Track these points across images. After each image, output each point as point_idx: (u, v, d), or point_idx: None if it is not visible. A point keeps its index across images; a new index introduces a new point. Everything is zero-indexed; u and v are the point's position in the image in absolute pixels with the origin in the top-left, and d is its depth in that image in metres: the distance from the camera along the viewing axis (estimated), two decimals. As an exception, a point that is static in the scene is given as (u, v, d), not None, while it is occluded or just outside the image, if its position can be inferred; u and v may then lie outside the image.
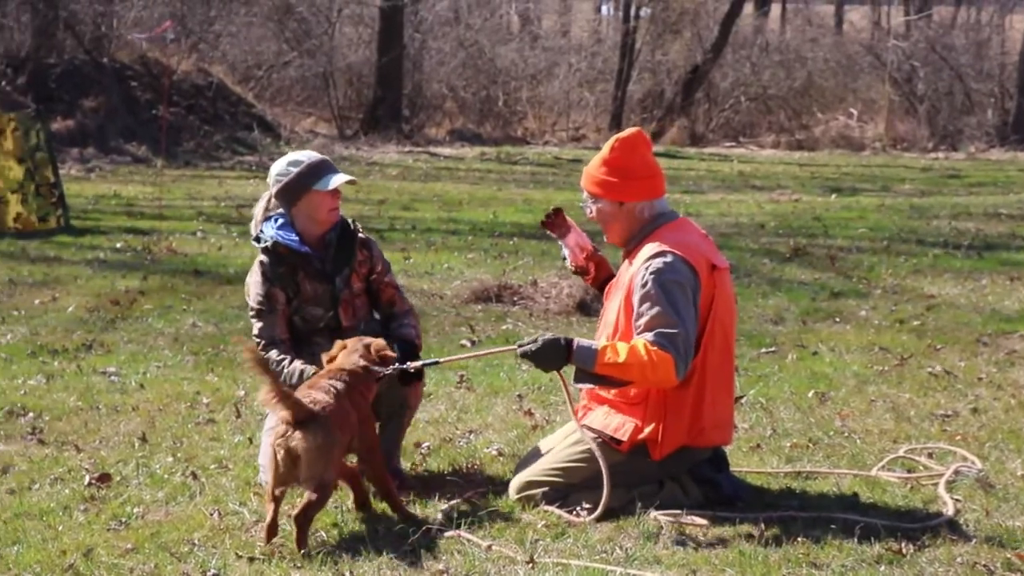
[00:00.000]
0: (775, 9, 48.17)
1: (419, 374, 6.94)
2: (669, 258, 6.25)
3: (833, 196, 23.04)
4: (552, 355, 6.18)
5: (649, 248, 6.35)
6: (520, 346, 6.27)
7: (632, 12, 39.33)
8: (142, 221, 18.42)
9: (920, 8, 41.66)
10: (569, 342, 6.17)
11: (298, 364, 6.83)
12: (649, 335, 6.12)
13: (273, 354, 6.90)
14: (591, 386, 6.38)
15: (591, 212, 6.63)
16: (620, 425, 6.42)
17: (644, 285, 6.22)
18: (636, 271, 6.31)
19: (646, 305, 6.19)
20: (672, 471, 6.50)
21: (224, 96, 32.11)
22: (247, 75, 35.35)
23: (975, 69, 37.81)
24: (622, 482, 6.43)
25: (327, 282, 7.05)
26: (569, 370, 6.33)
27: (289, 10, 36.18)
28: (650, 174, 6.53)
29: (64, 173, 21.72)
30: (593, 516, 6.28)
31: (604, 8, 54.49)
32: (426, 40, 37.54)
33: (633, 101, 38.50)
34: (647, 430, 6.36)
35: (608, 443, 6.44)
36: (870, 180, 26.20)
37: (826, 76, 39.93)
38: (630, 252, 6.52)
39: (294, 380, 6.75)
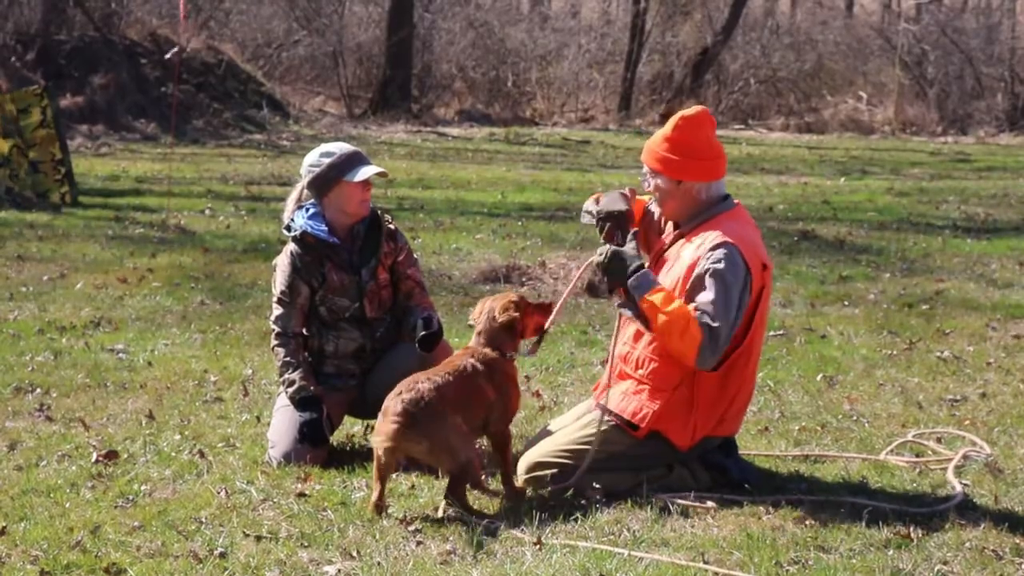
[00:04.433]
0: (786, -9, 48.06)
1: (439, 340, 7.09)
2: (730, 251, 6.25)
3: (842, 179, 23.00)
4: (617, 268, 6.31)
5: (713, 236, 6.33)
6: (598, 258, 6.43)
7: (642, -7, 39.26)
8: (151, 198, 18.40)
9: (931, -9, 41.56)
10: (640, 267, 6.28)
11: (296, 376, 7.03)
12: (696, 314, 6.16)
13: (281, 353, 7.12)
14: (629, 314, 6.37)
15: (649, 186, 6.61)
16: (638, 410, 6.40)
17: (706, 274, 6.24)
18: (698, 256, 6.30)
19: (702, 292, 6.21)
20: (683, 456, 6.49)
21: (234, 74, 32.09)
22: (257, 53, 35.34)
23: (985, 53, 37.70)
24: (631, 465, 6.43)
25: (353, 273, 7.13)
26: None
27: (299, -12, 36.17)
28: (712, 155, 6.50)
29: (73, 150, 21.70)
30: (559, 486, 6.37)
31: (614, -11, 54.39)
32: (436, 20, 37.47)
33: (642, 83, 38.41)
34: (674, 421, 6.35)
35: (623, 427, 6.43)
36: (879, 164, 26.15)
37: (836, 59, 39.83)
38: (686, 234, 6.50)
39: (285, 389, 7.09)
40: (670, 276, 6.41)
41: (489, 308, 6.57)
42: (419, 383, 6.18)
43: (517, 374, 6.61)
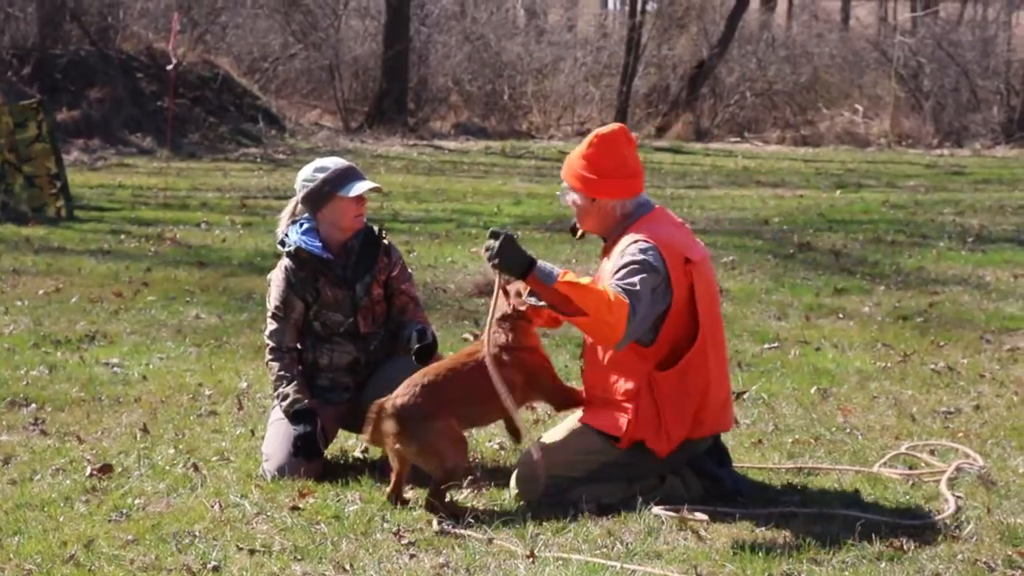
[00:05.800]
0: (781, 4, 48.01)
1: (434, 352, 7.10)
2: (643, 244, 6.27)
3: (838, 192, 23.01)
4: (513, 257, 6.10)
5: (625, 239, 6.37)
6: (487, 249, 6.19)
7: (638, 7, 39.23)
8: (146, 212, 18.42)
9: (927, 4, 41.59)
10: (533, 259, 6.09)
11: (290, 390, 7.02)
12: (610, 286, 6.14)
13: (275, 367, 7.14)
14: (543, 304, 6.23)
15: (567, 201, 6.62)
16: (613, 423, 6.43)
17: (618, 265, 6.26)
18: (614, 263, 6.32)
19: (614, 277, 6.21)
20: (673, 463, 6.51)
21: (230, 88, 32.09)
22: (253, 67, 35.34)
23: (981, 66, 37.71)
24: (623, 475, 6.45)
25: (347, 289, 7.13)
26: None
27: (295, 2, 36.18)
28: (627, 174, 6.50)
29: (69, 164, 21.72)
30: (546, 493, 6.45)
31: (610, 2, 54.49)
32: (432, 33, 37.49)
33: (638, 96, 38.42)
34: (648, 429, 6.37)
35: (608, 439, 6.45)
36: (875, 176, 26.16)
37: (832, 72, 39.85)
38: (608, 248, 6.55)
39: (279, 403, 7.08)
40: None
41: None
42: (417, 383, 6.33)
43: (538, 342, 6.63)
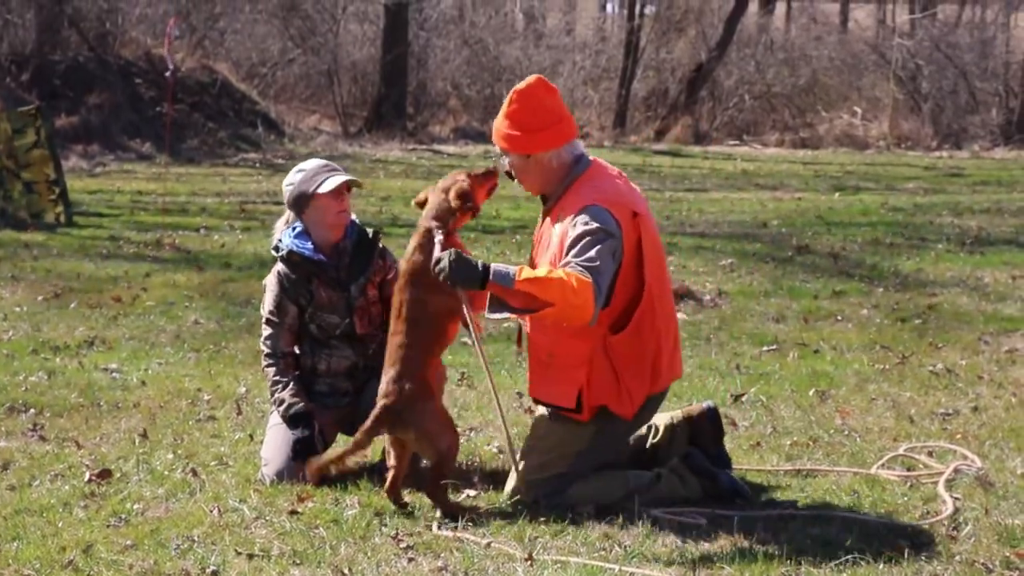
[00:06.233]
0: (780, 7, 48.02)
1: None
2: (593, 211, 6.20)
3: (836, 194, 23.02)
4: (466, 272, 6.06)
5: (572, 204, 6.30)
6: (437, 267, 6.14)
7: (637, 10, 39.24)
8: (145, 217, 18.44)
9: (925, 7, 41.61)
10: (486, 265, 6.07)
11: (286, 394, 7.06)
12: (569, 266, 6.07)
13: (271, 373, 7.18)
14: (506, 315, 6.17)
15: (505, 165, 6.61)
16: (564, 392, 6.40)
17: (574, 237, 6.17)
18: (565, 230, 6.27)
19: (571, 252, 6.14)
20: (641, 422, 6.54)
21: (228, 93, 32.10)
22: (251, 72, 35.35)
23: (979, 68, 37.74)
24: (604, 455, 6.46)
25: (342, 290, 7.14)
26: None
27: (294, 7, 36.19)
28: (553, 121, 6.45)
29: (68, 170, 21.72)
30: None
31: (609, 6, 54.47)
32: (431, 38, 37.49)
33: (637, 99, 38.43)
34: (607, 394, 6.36)
35: (569, 416, 6.44)
36: (873, 178, 26.17)
37: (831, 74, 39.86)
38: (551, 209, 6.50)
39: (276, 408, 7.11)
40: (546, 256, 6.38)
41: (443, 188, 6.66)
42: (389, 376, 6.38)
43: (464, 247, 6.55)
